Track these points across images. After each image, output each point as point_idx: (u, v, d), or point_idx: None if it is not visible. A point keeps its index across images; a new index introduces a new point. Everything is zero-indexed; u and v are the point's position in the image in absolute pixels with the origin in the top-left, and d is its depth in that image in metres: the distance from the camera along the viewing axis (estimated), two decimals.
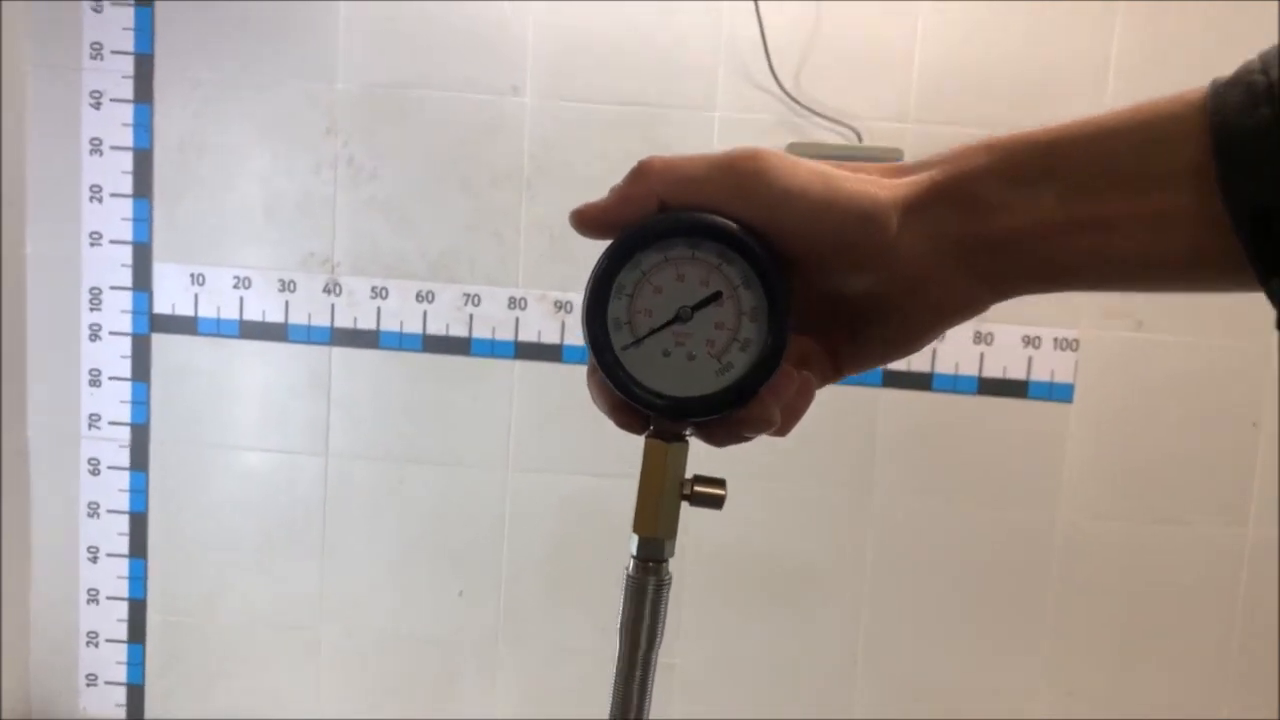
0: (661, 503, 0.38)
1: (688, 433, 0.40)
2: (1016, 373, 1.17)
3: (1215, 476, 1.17)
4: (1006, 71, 1.13)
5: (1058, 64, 1.12)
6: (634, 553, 0.39)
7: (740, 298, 0.38)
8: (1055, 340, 1.16)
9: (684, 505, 0.39)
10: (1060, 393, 1.17)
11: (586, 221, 0.39)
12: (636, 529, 0.39)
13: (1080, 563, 1.19)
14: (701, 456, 0.41)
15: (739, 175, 0.37)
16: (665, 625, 0.39)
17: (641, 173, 0.39)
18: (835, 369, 0.42)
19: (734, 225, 0.37)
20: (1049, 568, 1.19)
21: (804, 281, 0.39)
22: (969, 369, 1.17)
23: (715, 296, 0.38)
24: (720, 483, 0.39)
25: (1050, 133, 0.36)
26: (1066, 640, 1.20)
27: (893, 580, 1.21)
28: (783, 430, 0.39)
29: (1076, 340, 1.16)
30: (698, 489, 0.39)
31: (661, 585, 0.39)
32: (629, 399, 0.39)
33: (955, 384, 1.18)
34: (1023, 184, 0.36)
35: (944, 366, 1.17)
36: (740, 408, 0.38)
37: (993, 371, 1.17)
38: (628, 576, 0.39)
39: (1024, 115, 1.07)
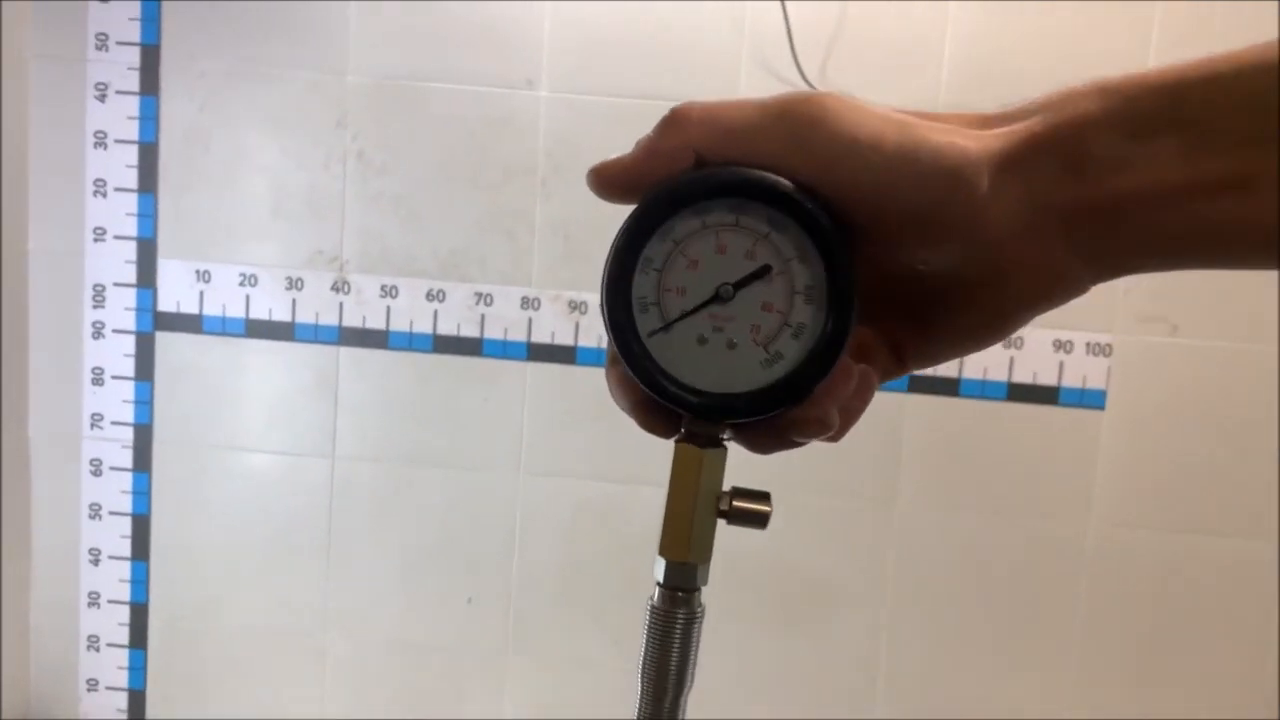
0: (694, 521, 0.33)
1: (726, 437, 0.34)
2: (1047, 378, 1.13)
3: (1252, 486, 1.12)
4: (1040, 65, 1.08)
5: (1094, 58, 1.08)
6: (660, 580, 0.33)
7: (793, 273, 0.32)
8: (1088, 345, 1.12)
9: (720, 524, 0.33)
10: (1092, 399, 1.13)
11: (606, 180, 0.33)
12: (664, 552, 0.33)
13: (1111, 574, 1.15)
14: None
15: (795, 122, 0.31)
16: (696, 666, 0.33)
17: (675, 122, 0.33)
18: (899, 362, 0.36)
19: (788, 183, 0.31)
20: (1078, 580, 1.15)
21: (869, 254, 0.33)
22: (998, 374, 1.13)
23: (763, 271, 0.32)
24: (764, 496, 0.34)
25: (1175, 72, 0.30)
26: (1095, 655, 1.16)
27: (915, 593, 1.17)
28: (837, 434, 0.33)
29: (1110, 345, 1.12)
30: (738, 504, 0.33)
31: (693, 619, 0.33)
32: (657, 395, 0.33)
33: (984, 390, 1.14)
34: (1144, 135, 0.30)
35: (972, 371, 1.13)
36: (792, 407, 0.32)
37: (1022, 377, 1.13)
38: (651, 608, 0.33)
39: None
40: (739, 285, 0.33)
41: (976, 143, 0.31)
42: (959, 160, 0.31)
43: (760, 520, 0.34)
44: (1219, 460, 1.12)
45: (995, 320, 0.33)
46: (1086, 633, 1.16)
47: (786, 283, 0.32)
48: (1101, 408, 1.13)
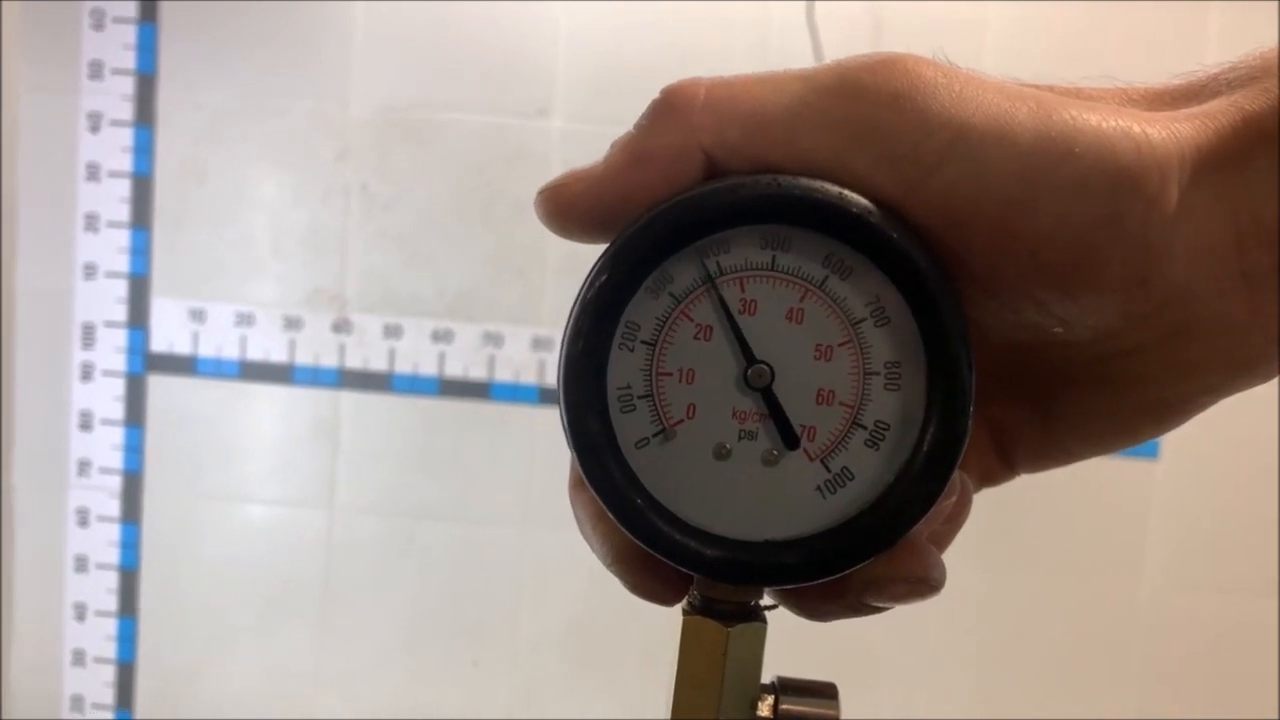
0: None
1: (765, 604, 0.23)
2: None
3: None
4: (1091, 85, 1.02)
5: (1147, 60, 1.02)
6: None
7: (869, 344, 0.21)
8: None
9: None
10: (1144, 448, 1.04)
11: (565, 206, 0.22)
12: None
13: (1167, 641, 1.07)
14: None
15: (866, 102, 0.20)
16: None
17: (671, 108, 0.22)
18: (1006, 463, 0.25)
19: (860, 199, 0.20)
20: (1131, 646, 1.08)
21: (979, 311, 0.21)
22: None
23: (821, 344, 0.21)
24: (827, 691, 0.23)
25: None
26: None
27: (955, 659, 1.09)
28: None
29: None
30: (788, 707, 0.22)
31: None
32: (648, 546, 0.22)
33: None
34: None
35: None
36: (872, 559, 0.21)
37: None
38: None
39: None
40: (781, 366, 0.20)
41: (1162, 130, 0.20)
42: (1136, 157, 0.19)
43: None
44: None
45: (1160, 406, 0.23)
46: (1139, 704, 1.08)
47: (855, 359, 0.21)
48: (1154, 457, 1.05)
